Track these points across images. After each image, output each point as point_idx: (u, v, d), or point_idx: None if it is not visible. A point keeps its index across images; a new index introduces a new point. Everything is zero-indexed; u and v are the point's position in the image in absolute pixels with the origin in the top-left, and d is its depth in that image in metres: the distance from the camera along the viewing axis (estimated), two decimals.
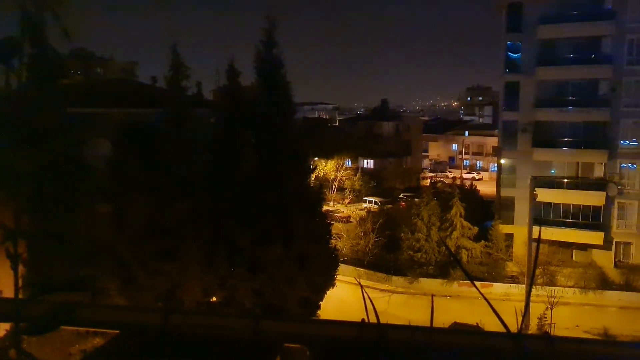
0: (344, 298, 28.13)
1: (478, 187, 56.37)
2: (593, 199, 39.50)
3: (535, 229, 30.21)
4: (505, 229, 41.30)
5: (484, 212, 46.13)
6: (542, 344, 3.55)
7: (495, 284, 37.70)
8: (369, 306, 2.59)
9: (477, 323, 26.37)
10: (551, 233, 37.67)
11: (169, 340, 3.84)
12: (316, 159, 58.76)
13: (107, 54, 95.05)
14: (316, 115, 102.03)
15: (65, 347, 15.94)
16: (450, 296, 37.25)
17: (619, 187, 39.12)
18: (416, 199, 46.96)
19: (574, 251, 40.99)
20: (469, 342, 3.90)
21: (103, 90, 33.09)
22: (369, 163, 75.68)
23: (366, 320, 2.74)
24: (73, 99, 23.32)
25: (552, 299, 31.21)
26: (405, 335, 3.42)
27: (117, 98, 28.90)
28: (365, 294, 2.56)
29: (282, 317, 13.36)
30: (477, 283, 37.00)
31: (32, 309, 2.71)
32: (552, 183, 40.41)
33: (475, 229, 40.64)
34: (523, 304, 29.22)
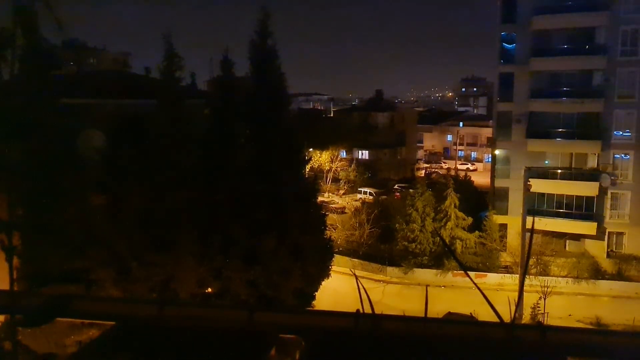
0: (339, 289, 28.24)
1: (472, 178, 56.47)
2: (586, 189, 39.68)
3: (529, 219, 30.34)
4: (499, 219, 41.47)
5: (478, 202, 46.25)
6: (534, 333, 3.59)
7: (489, 274, 37.95)
8: (364, 297, 2.61)
9: (471, 313, 26.56)
10: (545, 223, 37.88)
11: (164, 331, 3.85)
12: (311, 149, 58.72)
13: (100, 44, 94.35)
14: (311, 106, 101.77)
15: (60, 338, 15.96)
16: (444, 286, 37.47)
17: (612, 177, 39.31)
18: (411, 190, 47.03)
19: (567, 241, 41.23)
20: (463, 332, 3.93)
21: (96, 81, 32.89)
22: (363, 154, 75.68)
23: (361, 310, 2.76)
24: (66, 90, 23.18)
25: (545, 289, 31.44)
26: (400, 326, 3.44)
27: (111, 89, 28.75)
28: (360, 285, 2.58)
29: (277, 309, 13.41)
30: (471, 273, 37.29)
31: (27, 301, 2.71)
32: (546, 174, 40.55)
33: (470, 220, 40.78)
34: (516, 293, 29.45)
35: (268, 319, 4.21)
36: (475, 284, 2.43)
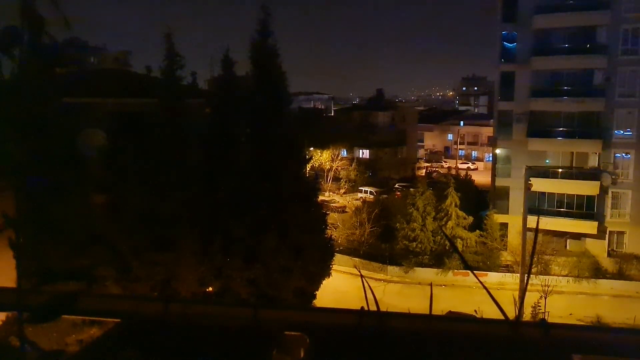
0: (340, 288, 28.30)
1: (473, 177, 56.52)
2: (587, 188, 39.71)
3: (531, 218, 30.35)
4: (500, 218, 41.50)
5: (479, 201, 46.29)
6: (539, 330, 3.61)
7: (490, 273, 37.97)
8: (369, 295, 2.61)
9: (475, 311, 26.52)
10: (545, 222, 37.91)
11: (169, 329, 3.87)
12: (312, 149, 58.72)
13: (100, 43, 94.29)
14: (311, 105, 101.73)
15: (62, 337, 15.99)
16: (445, 285, 37.48)
17: (612, 176, 39.32)
18: (411, 189, 47.07)
19: (568, 240, 41.26)
20: (467, 329, 3.94)
21: (97, 80, 32.89)
22: (364, 153, 75.69)
23: (366, 308, 2.77)
24: (67, 89, 23.16)
25: (546, 288, 31.47)
26: (405, 323, 3.46)
27: (112, 88, 28.75)
28: (365, 283, 2.58)
29: (282, 306, 13.45)
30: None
31: (33, 298, 2.73)
32: (547, 173, 40.59)
33: (470, 219, 40.81)
34: (517, 292, 29.45)
35: (272, 316, 4.23)
36: (480, 281, 2.44)
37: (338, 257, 31.35)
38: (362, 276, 2.82)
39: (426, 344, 3.44)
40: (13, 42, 2.28)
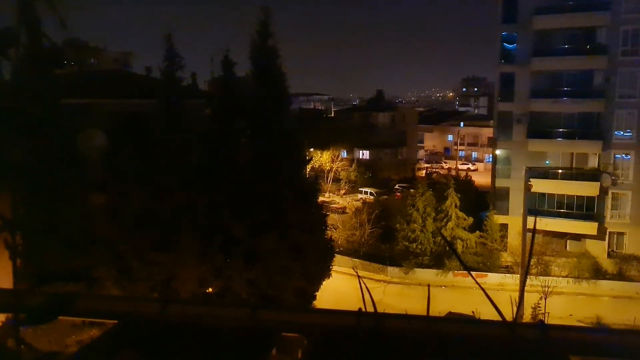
0: (340, 288, 28.26)
1: (473, 178, 56.44)
2: (587, 189, 39.68)
3: (530, 219, 30.31)
4: (500, 219, 41.47)
5: (479, 202, 46.25)
6: (536, 331, 3.60)
7: (490, 274, 37.94)
8: (366, 296, 2.61)
9: (473, 312, 26.52)
10: (545, 223, 37.88)
11: (168, 329, 3.86)
12: (312, 149, 58.72)
13: (101, 43, 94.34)
14: (311, 106, 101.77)
15: (61, 338, 15.98)
16: (445, 286, 37.46)
17: (612, 177, 39.30)
18: (411, 190, 47.04)
19: (568, 241, 41.22)
20: (465, 330, 3.94)
21: (97, 81, 32.91)
22: (364, 154, 75.67)
23: (363, 309, 2.76)
24: (67, 89, 23.19)
25: (546, 289, 31.44)
26: (402, 324, 3.46)
27: (112, 88, 28.78)
28: (362, 284, 2.58)
29: (280, 307, 13.44)
30: (472, 273, 37.23)
31: (30, 300, 2.71)
32: (547, 174, 40.56)
33: (470, 220, 40.78)
34: (517, 293, 29.43)
35: (270, 317, 4.22)
36: (478, 283, 2.44)
37: (338, 258, 31.35)
38: (359, 277, 2.81)
39: (424, 345, 3.44)
40: (9, 44, 2.27)
